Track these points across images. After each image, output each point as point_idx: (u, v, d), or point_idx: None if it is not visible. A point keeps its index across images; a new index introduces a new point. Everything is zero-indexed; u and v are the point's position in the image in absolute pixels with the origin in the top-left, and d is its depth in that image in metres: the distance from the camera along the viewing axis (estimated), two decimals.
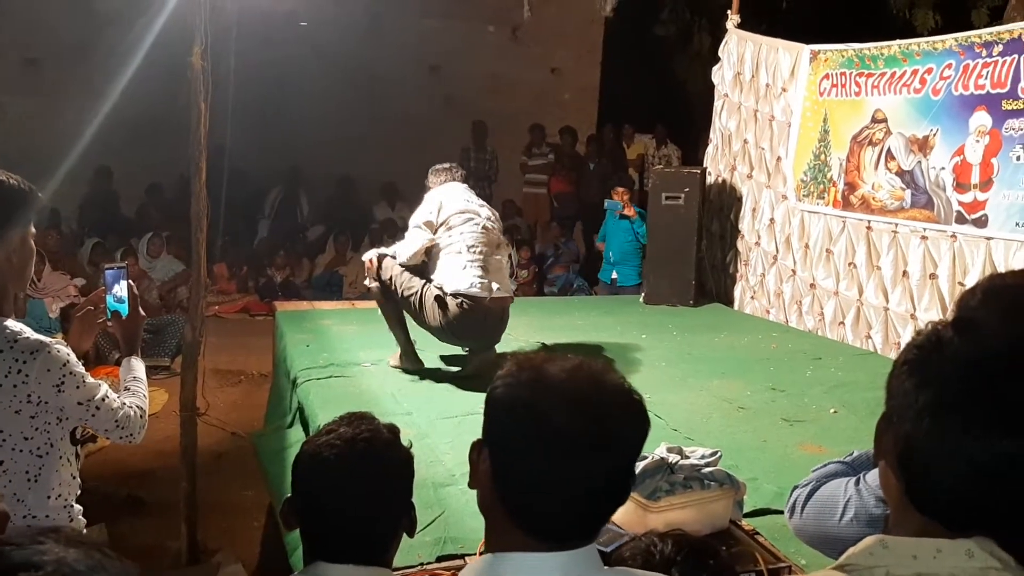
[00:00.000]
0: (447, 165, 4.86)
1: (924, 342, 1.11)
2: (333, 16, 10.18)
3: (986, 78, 4.64)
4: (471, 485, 1.26)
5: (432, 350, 4.71)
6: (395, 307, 4.58)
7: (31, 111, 9.58)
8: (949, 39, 5.00)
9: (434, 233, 4.50)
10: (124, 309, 2.36)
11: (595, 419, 1.15)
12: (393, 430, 1.72)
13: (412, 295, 4.47)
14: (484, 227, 4.56)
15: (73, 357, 2.06)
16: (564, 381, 1.18)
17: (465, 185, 4.80)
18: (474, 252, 4.50)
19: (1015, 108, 4.45)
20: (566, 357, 1.24)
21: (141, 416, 2.23)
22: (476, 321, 4.46)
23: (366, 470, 1.62)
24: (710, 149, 7.17)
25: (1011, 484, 1.00)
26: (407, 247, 4.52)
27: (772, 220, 6.39)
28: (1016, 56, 4.48)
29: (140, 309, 2.40)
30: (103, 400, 2.11)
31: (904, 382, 1.08)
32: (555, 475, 1.14)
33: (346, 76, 10.72)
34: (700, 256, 6.77)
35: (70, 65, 9.38)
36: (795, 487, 1.76)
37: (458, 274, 4.44)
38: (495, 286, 4.49)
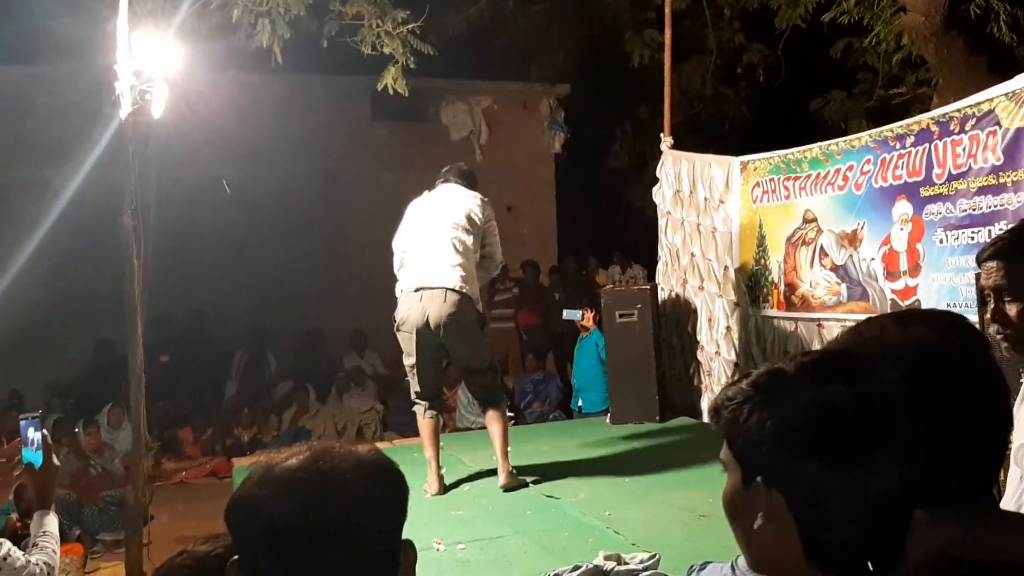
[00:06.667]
0: (447, 167, 4.63)
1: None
2: (288, 174, 10.51)
3: (903, 168, 4.81)
4: None
5: None
6: (428, 422, 4.47)
7: None
8: (864, 136, 5.21)
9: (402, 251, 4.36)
10: (38, 460, 2.31)
11: (319, 499, 1.08)
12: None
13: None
14: (432, 230, 4.22)
15: None
16: (293, 468, 1.11)
17: (448, 186, 4.48)
18: (414, 254, 4.22)
19: (932, 194, 4.59)
20: (310, 445, 1.17)
21: (49, 573, 2.16)
22: (412, 328, 4.10)
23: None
24: (660, 265, 7.30)
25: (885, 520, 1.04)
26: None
27: (728, 328, 6.43)
28: (927, 144, 4.66)
29: (54, 459, 2.36)
30: (4, 560, 2.05)
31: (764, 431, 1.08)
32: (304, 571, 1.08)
33: (308, 231, 10.97)
34: (662, 371, 6.75)
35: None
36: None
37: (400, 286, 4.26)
38: (427, 278, 4.10)
